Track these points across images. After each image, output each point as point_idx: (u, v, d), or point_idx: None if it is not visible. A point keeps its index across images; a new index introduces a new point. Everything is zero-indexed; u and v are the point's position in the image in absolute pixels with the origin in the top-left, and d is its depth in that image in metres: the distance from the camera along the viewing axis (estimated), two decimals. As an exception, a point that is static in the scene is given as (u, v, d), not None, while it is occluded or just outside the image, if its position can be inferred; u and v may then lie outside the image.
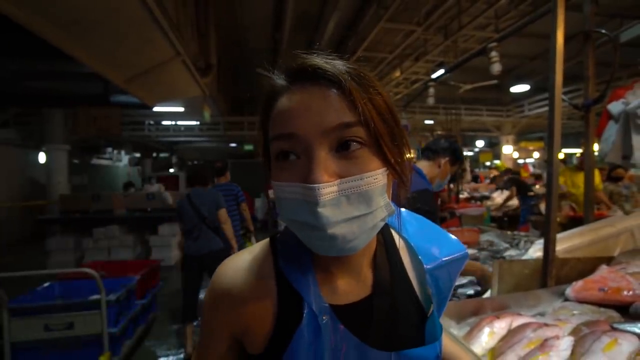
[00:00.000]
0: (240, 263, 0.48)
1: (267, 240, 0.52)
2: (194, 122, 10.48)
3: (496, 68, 2.50)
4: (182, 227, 2.72)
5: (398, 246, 0.53)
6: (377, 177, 0.39)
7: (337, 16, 5.25)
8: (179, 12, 3.63)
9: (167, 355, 2.87)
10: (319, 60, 0.40)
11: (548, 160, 1.28)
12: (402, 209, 0.56)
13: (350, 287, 0.48)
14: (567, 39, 1.71)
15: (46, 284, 2.72)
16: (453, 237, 0.57)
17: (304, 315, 0.43)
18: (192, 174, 2.86)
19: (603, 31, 1.50)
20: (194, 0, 4.45)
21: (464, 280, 1.72)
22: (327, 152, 0.38)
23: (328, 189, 0.37)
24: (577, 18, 1.73)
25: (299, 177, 0.38)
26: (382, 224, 0.42)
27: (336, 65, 0.40)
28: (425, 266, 0.50)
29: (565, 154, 13.42)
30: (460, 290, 1.65)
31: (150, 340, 3.11)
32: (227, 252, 2.69)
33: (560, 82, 1.26)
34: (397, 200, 0.45)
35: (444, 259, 0.52)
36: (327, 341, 0.43)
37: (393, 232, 0.54)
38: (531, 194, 4.96)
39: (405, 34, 5.88)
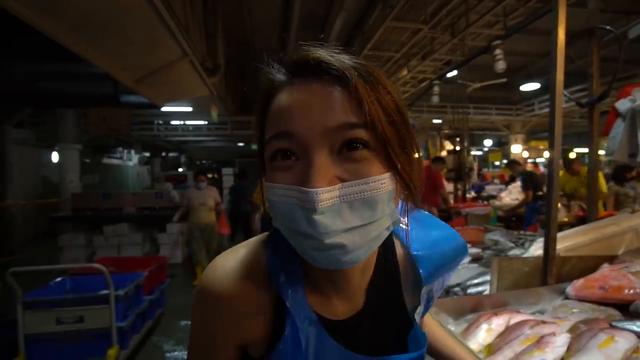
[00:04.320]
0: (232, 266, 0.44)
1: (261, 241, 0.48)
2: (202, 122, 10.59)
3: (500, 66, 2.48)
4: (230, 199, 5.63)
5: (397, 256, 0.50)
6: (385, 182, 0.35)
7: (343, 16, 5.25)
8: (187, 14, 3.68)
9: (174, 351, 2.92)
10: (323, 54, 0.36)
11: (549, 160, 1.27)
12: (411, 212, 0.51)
13: (341, 302, 0.45)
14: (575, 36, 1.70)
15: (58, 279, 2.80)
16: (458, 237, 0.54)
17: (287, 324, 0.42)
18: (239, 173, 5.95)
19: (608, 28, 1.48)
20: (202, 2, 4.51)
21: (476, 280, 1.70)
22: (327, 154, 0.35)
23: (327, 194, 0.33)
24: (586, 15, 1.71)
25: (296, 180, 0.35)
26: (386, 233, 0.38)
27: (342, 59, 0.36)
28: (422, 275, 0.48)
29: (578, 153, 13.16)
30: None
31: (158, 336, 3.18)
32: (250, 213, 5.12)
33: (561, 80, 1.25)
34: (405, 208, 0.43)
35: (445, 273, 0.51)
36: (310, 351, 0.42)
37: (395, 239, 0.51)
38: (540, 193, 4.87)
39: (411, 32, 5.85)
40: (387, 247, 0.50)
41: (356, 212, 0.34)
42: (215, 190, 4.63)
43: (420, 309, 0.50)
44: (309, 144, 0.35)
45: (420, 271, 0.48)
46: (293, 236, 0.37)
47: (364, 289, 0.46)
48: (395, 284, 0.49)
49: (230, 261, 0.45)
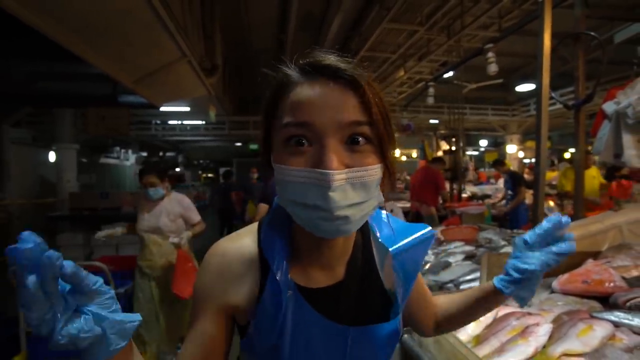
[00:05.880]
0: (229, 245, 0.52)
1: (256, 223, 0.56)
2: (199, 122, 10.61)
3: (492, 69, 2.54)
4: (216, 198, 6.70)
5: (371, 238, 0.58)
6: (377, 171, 0.44)
7: (340, 17, 5.30)
8: (185, 14, 3.72)
9: (173, 347, 2.96)
10: (340, 61, 0.44)
11: (535, 158, 1.34)
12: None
13: (324, 274, 0.53)
14: (563, 39, 1.76)
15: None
16: (419, 224, 0.61)
17: (266, 285, 0.48)
18: (224, 174, 6.98)
19: (592, 34, 1.54)
20: (200, 2, 4.54)
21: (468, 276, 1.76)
22: (338, 143, 0.43)
23: (339, 176, 0.41)
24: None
25: (310, 162, 0.42)
26: (373, 211, 0.47)
27: (353, 67, 0.44)
28: (390, 251, 0.55)
29: (572, 153, 13.25)
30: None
31: (157, 333, 3.21)
32: (233, 209, 6.53)
33: (547, 85, 1.31)
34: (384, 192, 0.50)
35: (407, 241, 0.56)
36: (288, 314, 0.48)
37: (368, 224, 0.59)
38: (531, 191, 4.93)
39: (408, 33, 5.91)
40: (364, 229, 0.58)
41: (356, 192, 0.43)
42: (186, 200, 2.50)
43: (399, 287, 0.55)
44: (325, 133, 0.42)
45: (385, 244, 0.55)
46: (303, 209, 0.44)
47: (345, 262, 0.55)
48: (371, 258, 0.57)
49: (227, 238, 0.54)
